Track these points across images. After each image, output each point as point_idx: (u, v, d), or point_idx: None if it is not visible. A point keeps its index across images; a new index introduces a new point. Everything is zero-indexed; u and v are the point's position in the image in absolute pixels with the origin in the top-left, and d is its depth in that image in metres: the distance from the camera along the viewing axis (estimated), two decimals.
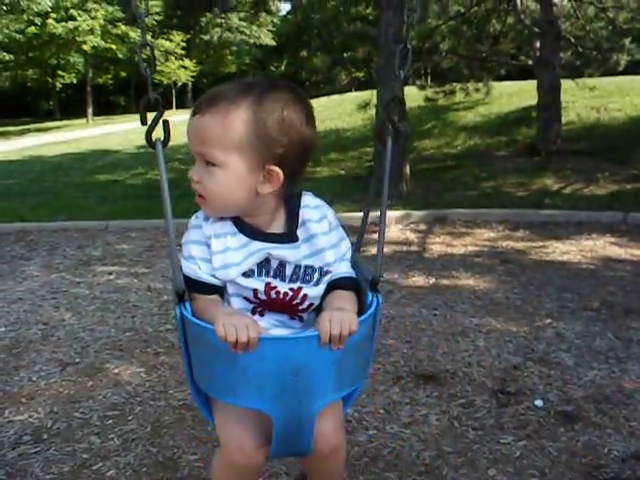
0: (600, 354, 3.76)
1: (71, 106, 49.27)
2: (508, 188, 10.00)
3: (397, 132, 1.75)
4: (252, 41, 47.13)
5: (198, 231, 1.69)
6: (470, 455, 2.75)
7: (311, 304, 1.75)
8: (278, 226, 1.71)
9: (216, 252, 1.65)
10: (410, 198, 9.22)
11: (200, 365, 1.63)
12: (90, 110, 38.25)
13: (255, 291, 1.69)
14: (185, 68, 44.70)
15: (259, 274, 1.68)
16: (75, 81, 43.65)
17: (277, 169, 1.59)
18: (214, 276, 1.66)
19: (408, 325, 4.31)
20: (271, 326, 1.75)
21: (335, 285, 1.74)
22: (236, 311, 1.67)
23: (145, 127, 1.58)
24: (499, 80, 16.91)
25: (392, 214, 7.93)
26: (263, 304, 1.72)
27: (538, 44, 12.09)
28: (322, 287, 1.73)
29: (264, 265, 1.68)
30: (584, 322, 4.28)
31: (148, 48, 1.63)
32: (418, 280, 5.45)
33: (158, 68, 35.67)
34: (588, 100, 14.93)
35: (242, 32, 46.73)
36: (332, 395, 1.60)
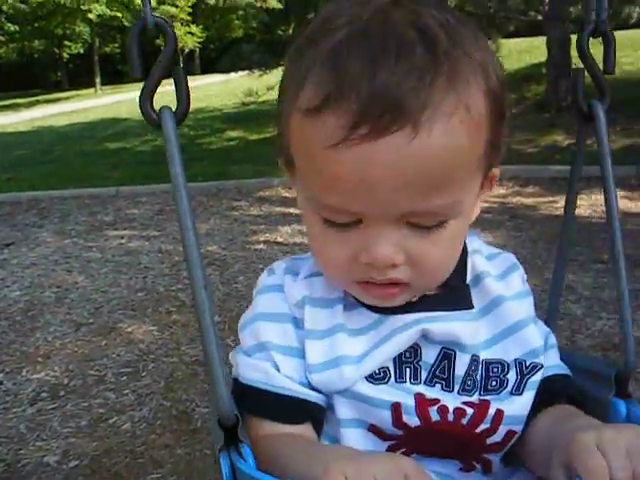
0: (609, 305, 3.77)
1: (79, 76, 49.09)
2: (517, 145, 9.93)
3: (604, 89, 1.10)
4: (259, 5, 46.59)
5: (276, 296, 0.94)
6: None
7: (510, 433, 0.91)
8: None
9: (316, 334, 0.90)
10: None
11: None
12: (98, 80, 38.06)
13: (396, 410, 0.87)
14: (192, 34, 44.37)
15: (400, 376, 0.89)
16: (82, 51, 43.42)
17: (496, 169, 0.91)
18: (310, 385, 0.89)
19: None
20: None
21: (547, 392, 0.93)
22: (365, 451, 0.87)
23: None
24: (508, 37, 16.67)
25: None
26: (411, 438, 0.89)
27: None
28: (529, 397, 0.92)
29: (409, 359, 0.90)
30: (593, 274, 4.28)
31: None
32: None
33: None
34: (599, 55, 14.70)
35: None
36: None
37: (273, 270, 0.98)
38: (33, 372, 3.25)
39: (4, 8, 34.14)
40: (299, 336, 0.90)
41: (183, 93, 0.89)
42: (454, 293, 0.92)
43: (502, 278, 0.98)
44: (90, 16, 34.67)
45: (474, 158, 0.78)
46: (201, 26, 46.56)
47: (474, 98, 0.76)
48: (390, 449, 0.89)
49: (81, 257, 5.30)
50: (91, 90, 37.23)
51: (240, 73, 14.59)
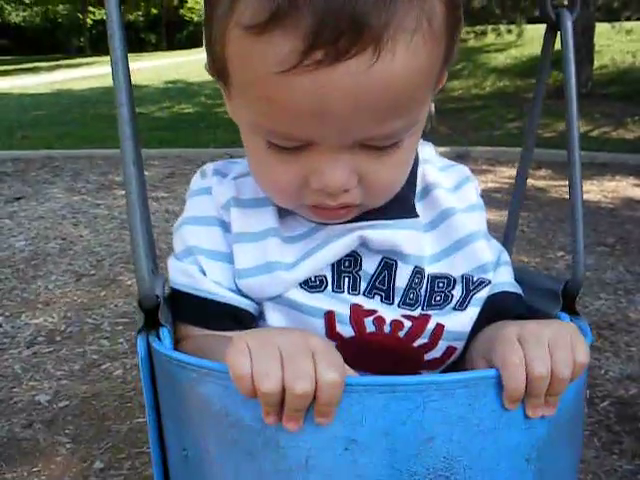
0: (609, 286, 3.77)
1: (102, 43, 49.13)
2: None
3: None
4: None
5: (204, 199, 0.89)
6: None
7: (450, 349, 0.88)
8: None
9: (244, 237, 0.85)
10: (434, 135, 9.15)
11: (188, 471, 0.76)
12: None
13: (330, 319, 0.83)
14: None
15: (338, 285, 0.84)
16: (104, 17, 43.42)
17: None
18: (238, 290, 0.84)
19: None
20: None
21: (493, 309, 0.89)
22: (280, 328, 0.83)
23: None
24: (532, 23, 16.48)
25: None
26: (346, 348, 0.80)
27: None
28: (472, 313, 0.88)
29: (348, 268, 0.85)
30: (597, 256, 4.27)
31: None
32: None
33: (189, 5, 35.35)
34: (624, 44, 14.52)
35: None
36: None
37: (204, 172, 0.92)
38: (32, 317, 3.29)
39: None
40: (227, 240, 0.85)
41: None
42: (397, 202, 0.83)
43: (454, 190, 0.92)
44: None
45: (435, 73, 0.72)
46: None
47: (435, 8, 0.67)
48: None
49: (88, 213, 5.34)
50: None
51: None
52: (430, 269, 0.87)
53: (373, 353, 0.84)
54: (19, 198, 5.88)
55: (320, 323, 0.82)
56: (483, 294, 0.88)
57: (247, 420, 0.65)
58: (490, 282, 0.89)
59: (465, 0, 13.93)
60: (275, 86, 0.65)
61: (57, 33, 50.29)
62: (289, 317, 0.83)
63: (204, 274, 0.84)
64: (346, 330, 0.83)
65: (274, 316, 0.84)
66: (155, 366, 0.77)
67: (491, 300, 0.89)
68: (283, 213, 0.85)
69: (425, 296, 0.87)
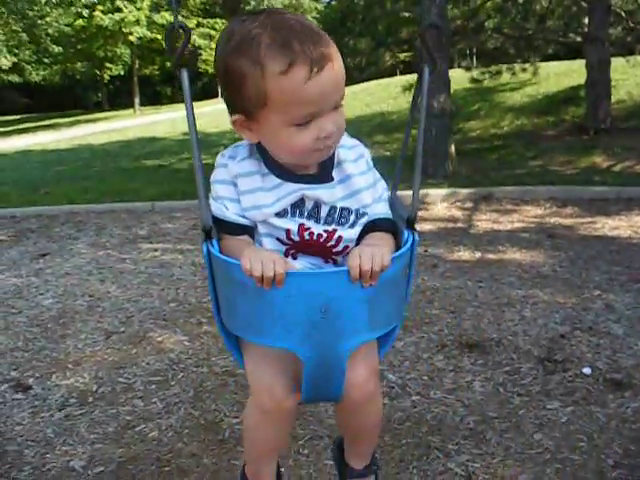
0: None
1: (119, 97, 50.04)
2: (556, 166, 9.80)
3: (434, 62, 1.64)
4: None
5: (224, 170, 1.58)
6: (515, 420, 2.70)
7: (346, 247, 1.63)
8: (311, 167, 1.59)
9: (245, 192, 1.56)
10: (456, 177, 9.10)
11: (227, 304, 1.55)
12: (137, 100, 38.72)
13: (288, 231, 1.58)
14: None
15: (292, 215, 1.58)
16: (122, 72, 44.24)
17: None
18: (243, 216, 1.57)
19: (453, 296, 4.25)
20: (304, 269, 1.65)
21: (371, 227, 1.63)
22: (265, 249, 1.58)
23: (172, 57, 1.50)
24: (546, 60, 16.54)
25: (437, 192, 7.84)
26: (296, 246, 1.62)
27: (587, 20, 11.77)
28: (358, 229, 1.62)
29: (298, 206, 1.58)
30: (634, 294, 4.15)
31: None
32: (464, 255, 5.37)
33: (204, 57, 35.99)
34: (639, 78, 14.51)
35: None
36: (365, 335, 1.50)
37: (223, 154, 1.61)
38: (63, 378, 3.23)
39: (50, 31, 34.97)
40: (237, 192, 1.56)
41: (193, 63, 1.51)
42: (322, 173, 1.58)
43: (354, 162, 1.62)
44: (131, 38, 35.30)
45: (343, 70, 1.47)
46: None
47: (337, 51, 1.44)
48: (286, 250, 1.60)
49: (114, 268, 5.30)
50: (130, 111, 37.88)
51: None
52: (340, 204, 1.59)
53: (309, 248, 1.61)
54: (44, 255, 5.87)
55: (283, 234, 1.58)
56: (364, 220, 1.62)
57: (249, 284, 1.38)
58: (367, 213, 1.62)
59: (479, 42, 14.07)
60: (302, 91, 1.37)
61: (75, 90, 51.30)
62: (269, 230, 1.58)
63: (227, 209, 1.56)
64: (296, 237, 1.59)
65: (262, 229, 1.58)
66: (211, 259, 1.51)
67: (370, 221, 1.63)
68: (264, 176, 1.56)
69: (336, 219, 1.60)
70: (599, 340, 3.44)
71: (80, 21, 35.12)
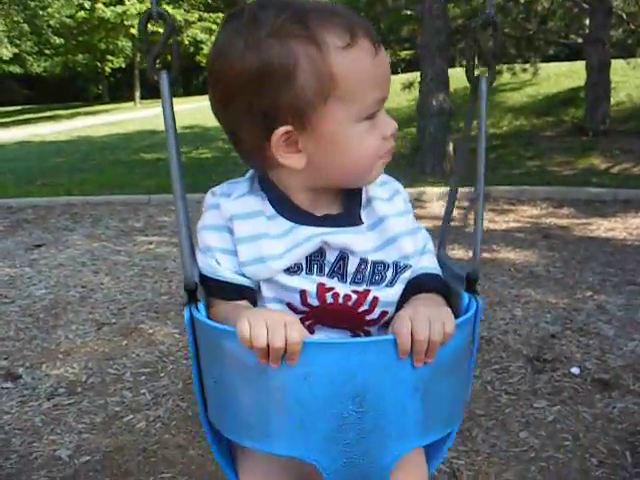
0: None
1: (119, 90, 49.98)
2: (553, 167, 9.81)
3: (492, 69, 1.32)
4: None
5: (215, 213, 1.23)
6: (502, 418, 2.71)
7: (384, 313, 1.25)
8: (331, 206, 1.25)
9: (244, 239, 1.19)
10: (452, 176, 9.12)
11: (216, 392, 1.14)
12: (138, 93, 38.66)
13: (303, 294, 1.20)
14: None
15: (309, 270, 1.20)
16: (123, 65, 44.20)
17: None
18: (242, 274, 1.20)
19: None
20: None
21: (417, 285, 1.26)
22: (272, 310, 1.20)
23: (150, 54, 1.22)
24: (547, 61, 16.52)
25: (434, 190, 7.87)
26: (314, 314, 1.23)
27: (588, 22, 11.78)
28: (399, 288, 1.25)
29: (317, 258, 1.21)
30: (626, 295, 4.16)
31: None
32: (457, 253, 5.37)
33: (204, 52, 35.91)
34: (639, 80, 14.53)
35: None
36: (415, 439, 1.09)
37: (214, 192, 1.27)
38: (52, 368, 3.23)
39: (51, 22, 34.94)
40: (233, 241, 1.20)
41: (176, 62, 1.23)
42: (349, 213, 1.23)
43: (388, 201, 1.27)
44: (132, 31, 35.19)
45: None
46: None
47: None
48: (301, 320, 1.17)
49: (108, 260, 5.31)
50: (130, 103, 37.81)
51: None
52: (372, 257, 1.22)
53: (332, 316, 1.24)
54: (39, 245, 5.87)
55: (297, 297, 1.21)
56: (406, 275, 1.25)
57: (249, 361, 1.01)
58: (411, 266, 1.25)
59: (478, 42, 14.06)
60: (372, 68, 1.10)
61: (76, 81, 51.23)
62: (277, 292, 1.22)
63: (219, 264, 1.20)
64: (314, 301, 1.21)
65: (267, 291, 1.22)
66: (195, 327, 1.15)
67: (414, 278, 1.26)
68: (270, 218, 1.20)
69: (368, 277, 1.22)
70: (589, 340, 3.45)
71: (82, 13, 35.03)
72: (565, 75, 16.89)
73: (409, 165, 9.85)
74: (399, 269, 1.23)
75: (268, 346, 0.97)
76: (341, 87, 1.08)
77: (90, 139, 17.91)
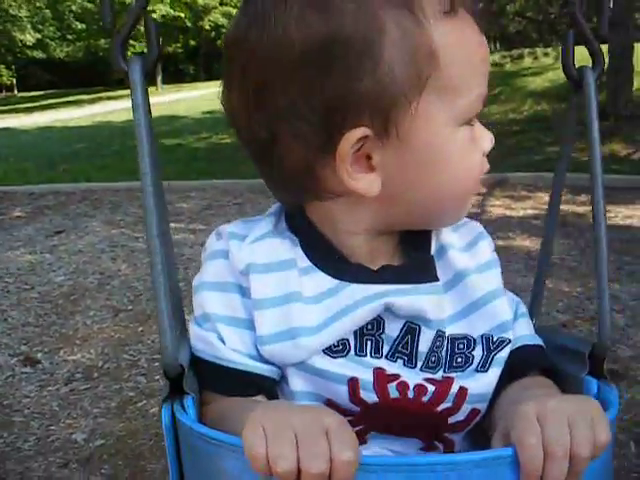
0: None
1: None
2: (573, 153, 9.62)
3: (599, 56, 1.04)
4: None
5: (221, 263, 0.87)
6: None
7: (474, 412, 0.86)
8: (393, 257, 0.89)
9: (264, 303, 0.83)
10: None
11: None
12: (159, 78, 38.77)
13: (353, 385, 0.81)
14: None
15: (360, 350, 0.83)
16: (145, 50, 44.30)
17: None
18: (259, 357, 0.83)
19: None
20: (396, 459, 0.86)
21: (517, 367, 0.88)
22: (295, 404, 0.82)
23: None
24: None
25: None
26: (369, 415, 0.83)
27: (611, 4, 11.61)
28: (495, 373, 0.86)
29: (371, 332, 0.84)
30: None
31: None
32: None
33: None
34: None
35: None
36: None
37: (220, 233, 0.90)
38: (70, 354, 3.32)
39: (73, 8, 35.15)
40: (246, 306, 0.83)
41: (153, 41, 0.88)
42: (419, 264, 0.86)
43: (468, 249, 0.92)
44: (154, 16, 35.26)
45: None
46: None
47: None
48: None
49: (127, 246, 5.41)
50: (152, 88, 37.94)
51: None
52: (449, 330, 0.86)
53: (397, 418, 0.83)
54: (59, 232, 5.98)
55: (344, 389, 0.81)
56: (504, 354, 0.87)
57: None
58: (510, 341, 0.88)
59: (501, 25, 13.93)
60: (477, 47, 0.80)
61: (98, 66, 51.48)
62: (312, 383, 0.82)
63: (223, 342, 0.83)
64: (370, 396, 0.81)
65: (297, 382, 0.83)
66: (179, 434, 0.79)
67: (512, 355, 0.87)
68: (304, 271, 0.84)
69: (446, 358, 0.85)
70: (593, 327, 3.46)
71: None
72: (587, 59, 16.65)
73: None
74: (492, 345, 0.86)
75: (299, 471, 0.60)
76: (444, 72, 0.75)
77: (111, 124, 18.03)
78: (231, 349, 0.82)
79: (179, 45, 47.18)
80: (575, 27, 1.00)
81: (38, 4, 33.70)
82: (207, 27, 35.98)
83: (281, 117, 0.76)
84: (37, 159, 11.36)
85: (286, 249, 0.85)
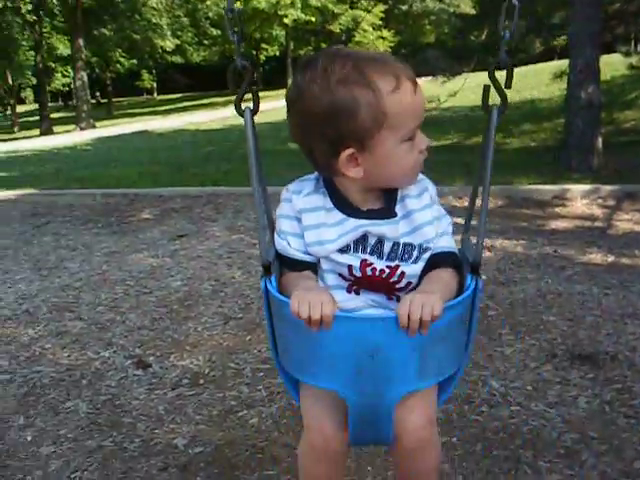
0: None
1: (273, 78, 51.41)
2: None
3: (503, 100, 1.57)
4: (451, 10, 46.04)
5: (288, 205, 1.64)
6: (617, 443, 2.58)
7: (409, 283, 1.66)
8: (375, 202, 1.63)
9: (308, 227, 1.61)
10: (601, 172, 8.65)
11: (282, 341, 1.62)
12: (290, 81, 39.65)
13: (350, 267, 1.62)
14: (383, 39, 44.85)
15: (355, 250, 1.62)
16: (277, 53, 45.45)
17: None
18: (306, 252, 1.62)
19: (574, 303, 4.09)
20: (367, 305, 1.70)
21: (434, 262, 1.66)
22: (315, 287, 1.59)
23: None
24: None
25: (578, 188, 7.51)
26: (358, 282, 1.66)
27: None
28: (421, 265, 1.65)
29: (361, 241, 1.62)
30: None
31: (235, 13, 1.70)
32: (595, 257, 5.14)
33: (356, 39, 36.18)
34: None
35: (441, 0, 45.83)
36: (415, 384, 1.49)
37: (288, 189, 1.66)
38: (179, 359, 3.45)
39: (209, 15, 36.60)
40: (300, 227, 1.61)
41: (256, 102, 1.67)
42: (386, 208, 1.61)
43: (417, 197, 1.63)
44: (286, 21, 36.18)
45: None
46: (392, 31, 46.84)
47: None
48: (348, 286, 1.66)
49: (243, 253, 5.54)
50: (282, 90, 38.82)
51: (423, 79, 14.52)
52: (403, 240, 1.61)
53: (372, 284, 1.66)
54: (182, 236, 6.23)
55: (346, 270, 1.63)
56: (426, 255, 1.65)
57: (298, 324, 1.40)
58: (431, 248, 1.64)
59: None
60: (413, 102, 1.48)
61: None
62: (332, 266, 1.64)
63: (289, 245, 1.63)
64: (358, 273, 1.63)
65: (324, 265, 1.65)
66: (269, 297, 1.59)
67: (432, 256, 1.65)
68: (327, 211, 1.60)
69: (400, 254, 1.62)
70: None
71: (238, 4, 36.28)
72: None
73: (554, 160, 9.46)
74: (422, 249, 1.63)
75: (310, 317, 1.37)
76: (391, 120, 1.46)
77: (240, 128, 18.08)
78: (294, 249, 1.63)
79: (310, 48, 47.95)
80: (492, 84, 1.61)
81: (177, 12, 35.31)
82: (338, 30, 36.34)
83: (312, 142, 1.54)
84: (168, 162, 11.89)
85: (319, 200, 1.61)
